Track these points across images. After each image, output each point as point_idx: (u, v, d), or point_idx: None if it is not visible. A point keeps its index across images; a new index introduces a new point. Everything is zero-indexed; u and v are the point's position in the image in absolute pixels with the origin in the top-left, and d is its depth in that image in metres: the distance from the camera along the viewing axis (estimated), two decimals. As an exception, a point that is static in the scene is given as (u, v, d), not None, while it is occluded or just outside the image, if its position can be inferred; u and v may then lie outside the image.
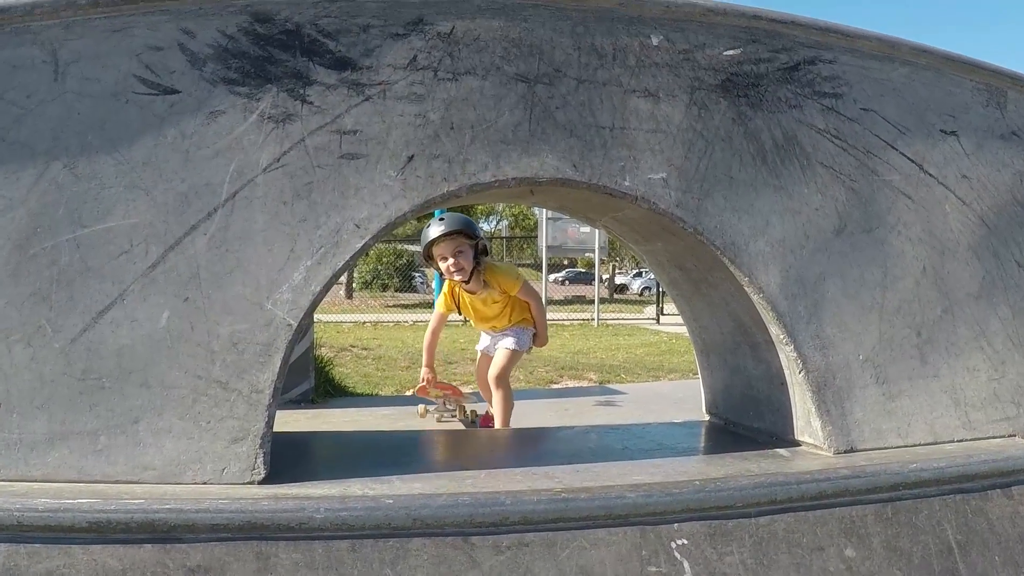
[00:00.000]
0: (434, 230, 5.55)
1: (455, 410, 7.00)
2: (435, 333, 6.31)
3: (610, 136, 2.73)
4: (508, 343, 6.01)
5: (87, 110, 2.41)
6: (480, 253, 5.73)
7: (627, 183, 2.74)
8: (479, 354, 6.42)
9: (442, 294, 6.19)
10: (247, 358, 2.46)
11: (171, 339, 2.43)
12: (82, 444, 2.38)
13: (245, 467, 2.44)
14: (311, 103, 2.52)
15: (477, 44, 2.64)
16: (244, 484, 2.43)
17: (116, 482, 2.38)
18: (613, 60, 2.75)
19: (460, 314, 6.41)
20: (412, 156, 2.58)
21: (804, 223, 2.92)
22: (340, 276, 2.59)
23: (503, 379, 5.99)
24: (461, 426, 6.86)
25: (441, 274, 5.88)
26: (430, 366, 6.46)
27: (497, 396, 5.97)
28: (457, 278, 5.65)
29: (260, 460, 2.46)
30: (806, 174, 2.92)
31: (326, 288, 2.53)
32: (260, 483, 2.45)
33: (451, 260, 5.50)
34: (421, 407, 6.99)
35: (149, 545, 2.19)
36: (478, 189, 2.63)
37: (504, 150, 2.65)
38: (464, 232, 5.58)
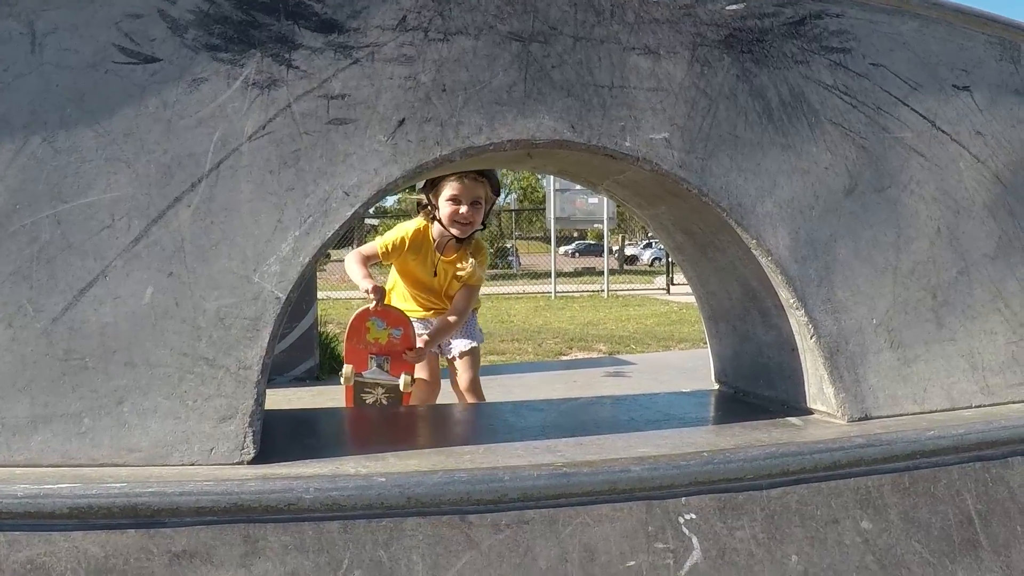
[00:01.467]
0: None
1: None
2: (364, 263, 4.66)
3: (609, 95, 2.64)
4: (475, 339, 4.94)
5: (66, 82, 2.32)
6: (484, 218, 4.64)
7: (628, 143, 2.65)
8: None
9: (396, 237, 4.72)
10: (234, 333, 2.38)
11: (155, 316, 2.35)
12: (66, 427, 2.30)
13: (234, 447, 2.36)
14: (297, 68, 2.43)
15: (469, 3, 2.55)
16: (232, 464, 2.35)
17: (101, 465, 2.30)
18: (611, 16, 2.65)
19: (395, 273, 4.94)
20: (403, 120, 2.49)
21: (813, 183, 2.82)
22: (330, 247, 2.50)
23: (479, 384, 4.92)
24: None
25: (434, 218, 4.61)
26: (371, 278, 4.52)
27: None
28: (456, 232, 4.53)
29: (249, 439, 2.37)
30: (814, 132, 2.83)
31: (315, 259, 2.44)
32: (250, 463, 2.36)
33: (465, 208, 4.44)
34: (348, 369, 4.22)
35: (132, 530, 2.11)
36: (472, 153, 2.54)
37: (499, 112, 2.55)
38: (491, 183, 4.58)
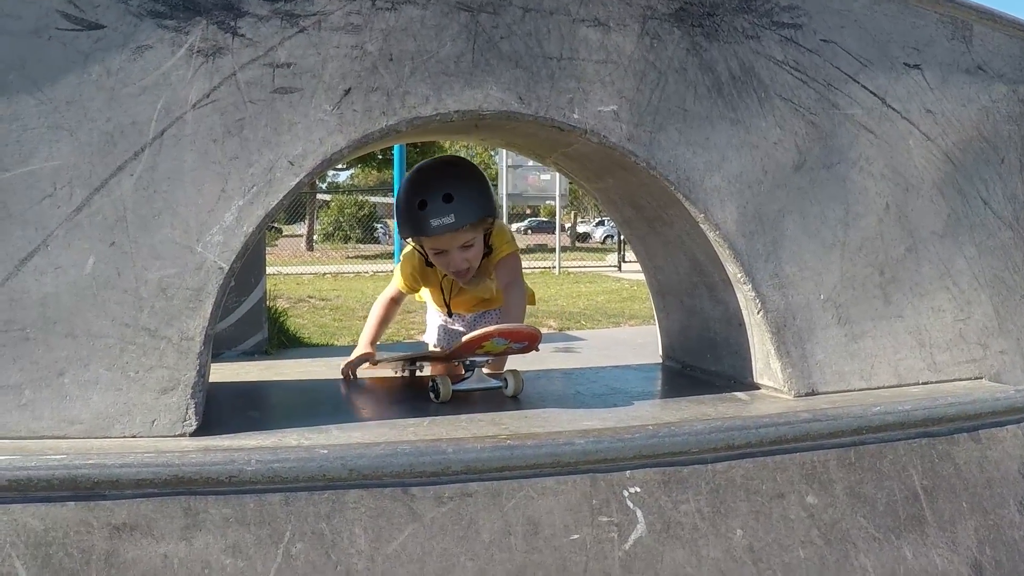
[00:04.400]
0: (429, 216, 3.29)
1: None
2: (388, 308, 4.03)
3: (558, 67, 2.63)
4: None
5: (7, 48, 2.28)
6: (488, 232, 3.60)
7: (576, 116, 2.64)
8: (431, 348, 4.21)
9: (407, 273, 3.93)
10: (176, 304, 2.35)
11: (97, 286, 2.32)
12: (5, 399, 2.27)
13: (176, 419, 2.34)
14: (242, 36, 2.40)
15: (417, -28, 2.53)
16: (174, 437, 2.33)
17: (42, 438, 2.27)
18: (561, -12, 2.64)
19: (421, 294, 4.10)
20: (349, 89, 2.46)
21: (762, 158, 2.82)
22: (274, 217, 2.48)
23: None
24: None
25: (429, 263, 3.72)
26: (373, 344, 3.93)
27: None
28: (458, 280, 3.70)
29: (191, 411, 2.35)
30: (764, 107, 2.83)
31: (259, 229, 2.42)
32: (192, 435, 2.35)
33: (456, 256, 3.46)
34: (446, 387, 3.00)
35: (72, 503, 2.08)
36: (419, 123, 2.52)
37: (446, 82, 2.54)
38: (484, 215, 3.44)
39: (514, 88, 2.59)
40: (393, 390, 3.32)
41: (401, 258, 4.02)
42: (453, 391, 2.98)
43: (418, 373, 3.62)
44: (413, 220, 3.33)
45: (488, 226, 3.56)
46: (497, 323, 3.54)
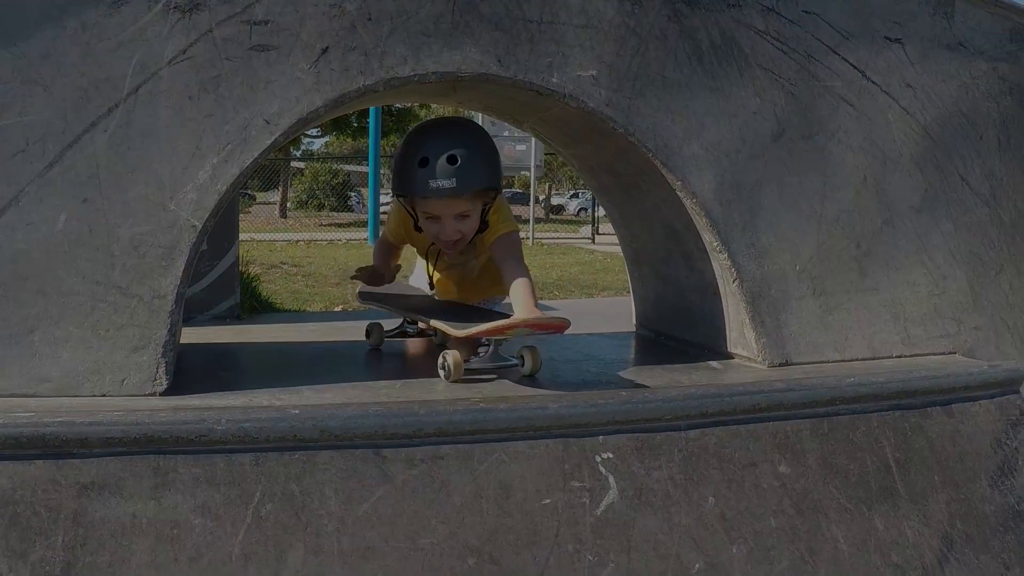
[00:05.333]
0: (428, 176, 2.93)
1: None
2: (386, 252, 3.64)
3: (537, 30, 2.61)
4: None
5: (-19, 2, 2.26)
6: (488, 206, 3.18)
7: (555, 80, 2.63)
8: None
9: (392, 224, 3.53)
10: (149, 262, 2.33)
11: (69, 243, 2.30)
12: (-26, 356, 2.26)
13: (146, 378, 2.33)
14: (220, -8, 2.38)
15: (398, -69, 2.51)
16: (144, 396, 2.32)
17: (11, 396, 2.26)
18: (542, -49, 2.63)
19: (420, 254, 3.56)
20: (326, 48, 2.44)
21: (741, 127, 2.82)
22: (248, 175, 2.46)
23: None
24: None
25: (418, 228, 3.24)
26: (386, 264, 3.61)
27: None
28: (446, 250, 3.31)
29: (162, 370, 2.34)
30: (744, 76, 2.82)
31: (233, 188, 2.40)
32: (162, 395, 2.34)
33: (449, 227, 3.10)
34: (454, 357, 2.72)
35: (40, 461, 2.06)
36: (396, 84, 2.51)
37: (425, 43, 2.53)
38: (489, 178, 3.07)
39: (493, 50, 2.58)
40: (368, 354, 3.29)
41: (390, 215, 3.60)
42: (465, 370, 2.73)
43: (408, 329, 3.52)
44: (410, 178, 2.99)
45: (489, 199, 3.15)
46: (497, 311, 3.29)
